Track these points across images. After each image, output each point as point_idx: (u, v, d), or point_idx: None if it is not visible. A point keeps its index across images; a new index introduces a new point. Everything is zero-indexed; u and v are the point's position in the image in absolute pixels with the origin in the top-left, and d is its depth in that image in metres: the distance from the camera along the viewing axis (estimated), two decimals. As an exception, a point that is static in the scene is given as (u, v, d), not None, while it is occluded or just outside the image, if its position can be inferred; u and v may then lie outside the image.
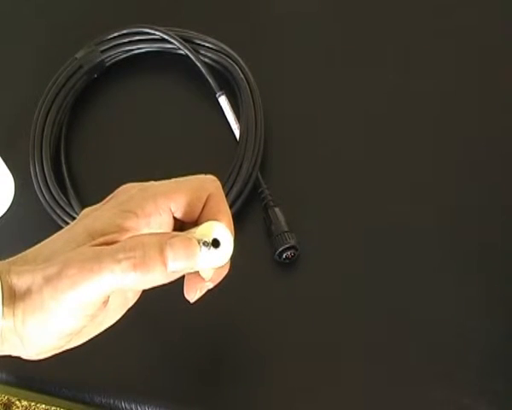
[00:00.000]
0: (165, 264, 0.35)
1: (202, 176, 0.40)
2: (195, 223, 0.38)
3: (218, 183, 0.40)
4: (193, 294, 0.39)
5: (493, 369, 0.47)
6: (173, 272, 0.35)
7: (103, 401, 0.49)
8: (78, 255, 0.35)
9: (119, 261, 0.34)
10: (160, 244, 0.35)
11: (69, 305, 0.34)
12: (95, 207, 0.38)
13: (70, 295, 0.34)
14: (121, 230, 0.36)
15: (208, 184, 0.39)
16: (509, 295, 0.49)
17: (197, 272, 0.38)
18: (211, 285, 0.39)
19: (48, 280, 0.34)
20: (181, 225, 0.39)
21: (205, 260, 0.36)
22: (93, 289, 0.34)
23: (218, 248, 0.36)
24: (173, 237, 0.35)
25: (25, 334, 0.35)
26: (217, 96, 0.59)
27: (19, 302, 0.35)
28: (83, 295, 0.34)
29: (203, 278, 0.38)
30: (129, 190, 0.38)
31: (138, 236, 0.36)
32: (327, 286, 0.51)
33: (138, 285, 0.35)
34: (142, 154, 0.59)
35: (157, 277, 0.35)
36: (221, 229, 0.36)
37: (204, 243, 0.36)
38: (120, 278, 0.34)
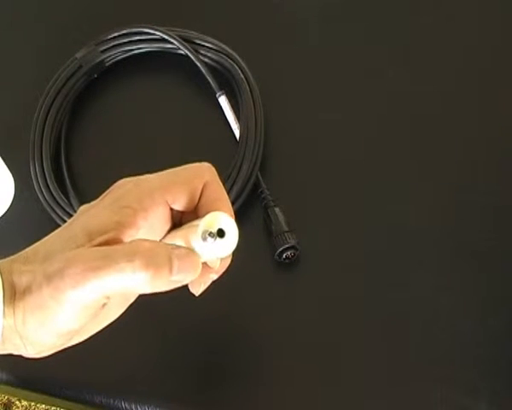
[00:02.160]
0: (171, 272, 0.35)
1: (197, 164, 0.40)
2: (194, 212, 0.38)
3: (214, 169, 0.40)
4: (198, 287, 0.39)
5: (493, 369, 0.47)
6: (173, 281, 0.35)
7: (103, 401, 0.49)
8: (79, 256, 0.34)
9: (131, 260, 0.33)
10: (167, 252, 0.35)
11: (70, 304, 0.34)
12: (92, 204, 0.38)
13: (71, 294, 0.34)
14: (119, 226, 0.36)
15: (204, 172, 0.39)
16: (509, 295, 0.49)
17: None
18: (215, 277, 0.39)
19: (48, 279, 0.34)
20: (180, 216, 0.39)
21: (211, 252, 0.36)
22: (94, 289, 0.34)
23: (224, 238, 0.36)
24: (177, 248, 0.36)
25: (25, 333, 0.35)
26: (217, 96, 0.59)
27: (19, 301, 0.35)
28: (84, 294, 0.34)
29: (206, 270, 0.39)
30: (124, 185, 0.38)
31: (144, 240, 0.36)
32: (327, 286, 0.51)
33: (140, 287, 0.35)
34: (141, 153, 0.59)
35: (161, 282, 0.35)
36: (225, 218, 0.36)
37: (209, 234, 0.35)
38: (128, 278, 0.34)
